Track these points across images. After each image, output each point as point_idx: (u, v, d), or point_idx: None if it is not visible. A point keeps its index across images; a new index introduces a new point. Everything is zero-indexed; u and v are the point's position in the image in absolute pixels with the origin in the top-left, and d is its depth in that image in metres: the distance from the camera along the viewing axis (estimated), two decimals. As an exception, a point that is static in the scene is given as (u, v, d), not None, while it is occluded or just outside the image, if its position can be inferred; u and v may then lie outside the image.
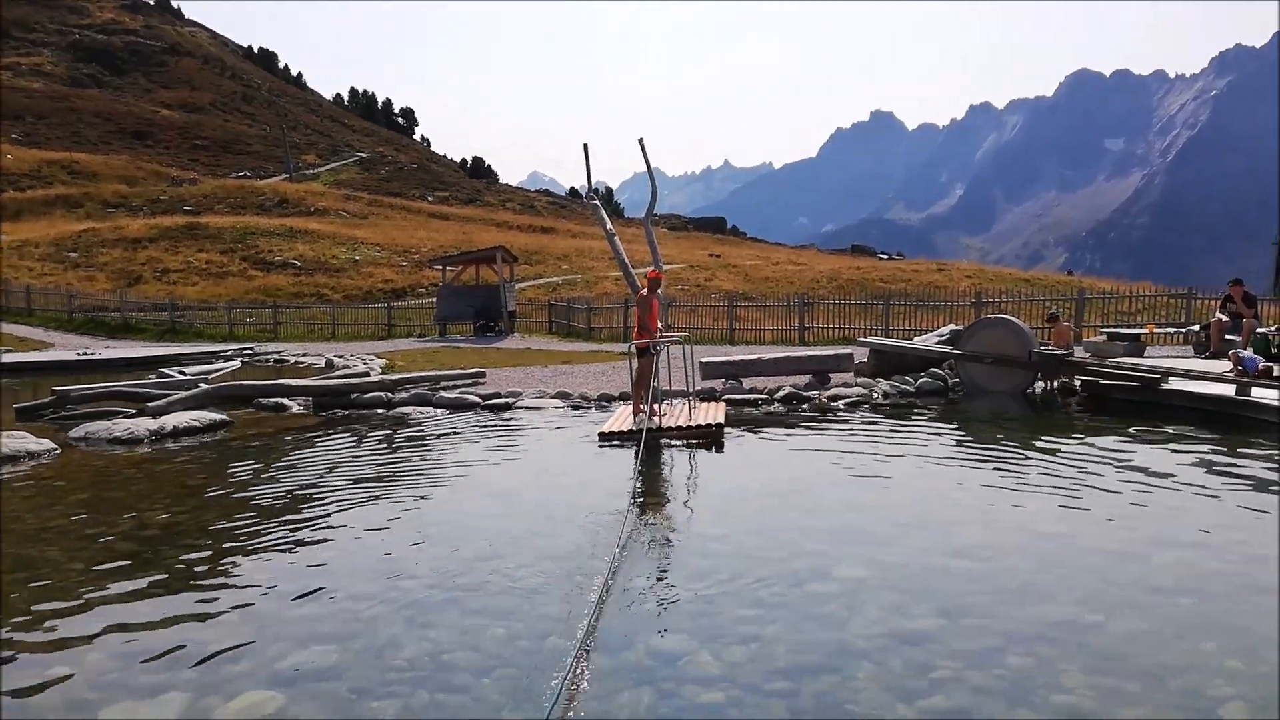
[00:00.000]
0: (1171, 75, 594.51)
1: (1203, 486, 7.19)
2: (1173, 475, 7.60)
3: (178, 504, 7.45)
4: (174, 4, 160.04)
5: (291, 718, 3.62)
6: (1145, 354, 13.77)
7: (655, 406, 10.58)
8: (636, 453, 8.82)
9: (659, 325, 10.93)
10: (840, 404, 12.32)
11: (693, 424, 10.15)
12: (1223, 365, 11.90)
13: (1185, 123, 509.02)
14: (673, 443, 9.73)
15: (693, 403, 11.40)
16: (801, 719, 3.53)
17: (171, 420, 10.98)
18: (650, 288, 11.04)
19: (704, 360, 13.93)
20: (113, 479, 8.53)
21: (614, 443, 9.62)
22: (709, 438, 9.88)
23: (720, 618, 4.56)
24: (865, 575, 5.18)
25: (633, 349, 10.83)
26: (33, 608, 4.90)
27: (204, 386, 13.59)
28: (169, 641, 4.38)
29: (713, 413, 10.86)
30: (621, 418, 10.69)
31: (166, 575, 5.46)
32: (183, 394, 12.67)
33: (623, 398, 12.77)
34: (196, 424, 11.05)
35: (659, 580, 5.26)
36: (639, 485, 7.76)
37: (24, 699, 3.81)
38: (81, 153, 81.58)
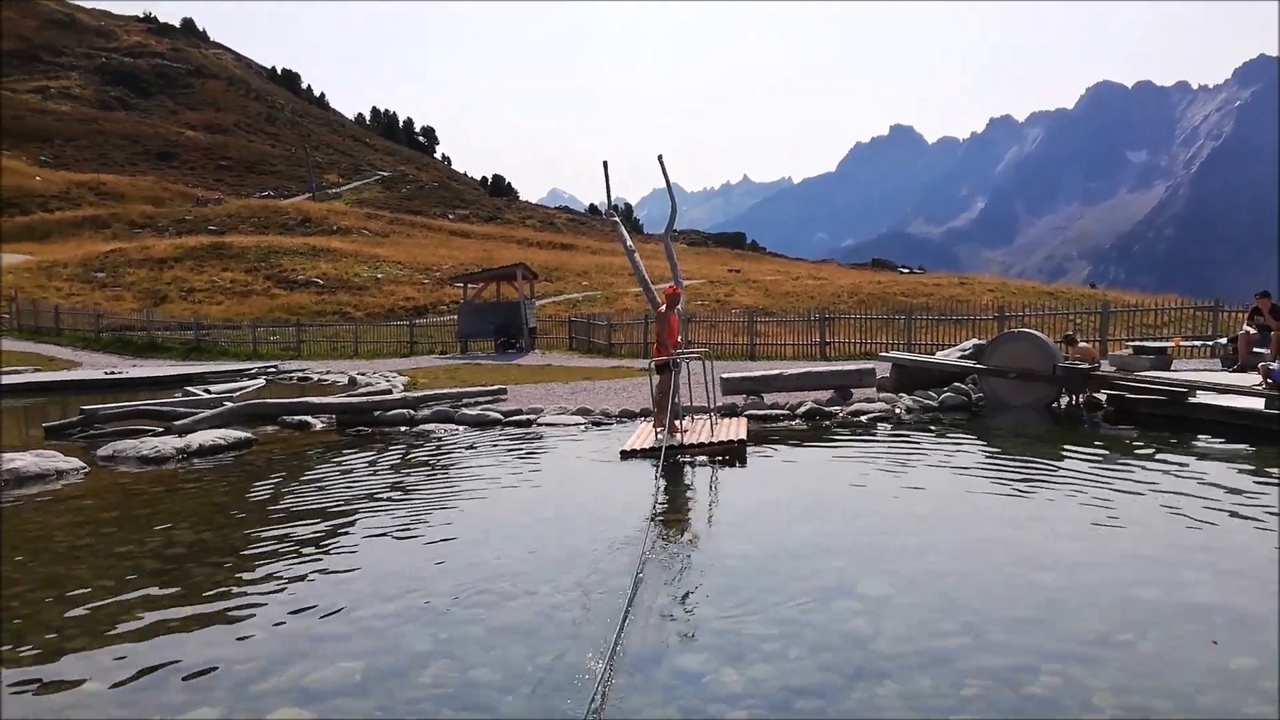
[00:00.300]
0: (1194, 86, 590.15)
1: (1234, 501, 7.09)
2: (1203, 490, 7.50)
3: (205, 522, 7.52)
4: (199, 27, 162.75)
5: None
6: (1172, 367, 13.63)
7: (677, 423, 10.58)
8: (657, 470, 8.80)
9: (678, 341, 10.90)
10: (863, 419, 12.26)
11: (715, 440, 10.13)
12: (1251, 378, 11.76)
13: (1209, 134, 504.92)
14: (695, 459, 9.72)
15: (715, 418, 11.37)
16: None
17: (197, 439, 11.08)
18: (669, 304, 11.03)
19: (725, 376, 13.92)
20: (140, 497, 8.63)
21: (636, 460, 9.60)
22: (732, 453, 9.86)
23: (744, 635, 4.54)
24: (890, 592, 5.15)
25: (652, 365, 10.83)
26: (63, 626, 4.96)
27: (229, 405, 13.71)
28: (199, 659, 4.42)
29: (735, 428, 10.84)
30: (643, 435, 10.69)
31: (195, 593, 5.51)
32: (208, 412, 12.79)
33: (644, 414, 12.77)
34: (222, 442, 11.15)
35: (682, 598, 5.25)
36: (661, 502, 7.76)
37: (59, 716, 3.84)
38: (109, 174, 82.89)
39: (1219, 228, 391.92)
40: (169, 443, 10.86)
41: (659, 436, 10.02)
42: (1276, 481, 7.86)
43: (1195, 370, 14.04)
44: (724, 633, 4.61)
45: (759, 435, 11.15)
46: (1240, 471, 8.39)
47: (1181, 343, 16.93)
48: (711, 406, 11.63)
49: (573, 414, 13.09)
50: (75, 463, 9.69)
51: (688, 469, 9.34)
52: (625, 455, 9.71)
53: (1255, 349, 13.78)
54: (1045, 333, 15.48)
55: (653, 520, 6.85)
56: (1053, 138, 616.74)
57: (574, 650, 4.38)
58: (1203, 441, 9.80)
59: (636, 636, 4.57)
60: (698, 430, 10.84)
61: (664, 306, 11.07)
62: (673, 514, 7.57)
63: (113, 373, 22.52)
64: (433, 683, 4.09)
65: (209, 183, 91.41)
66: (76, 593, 5.54)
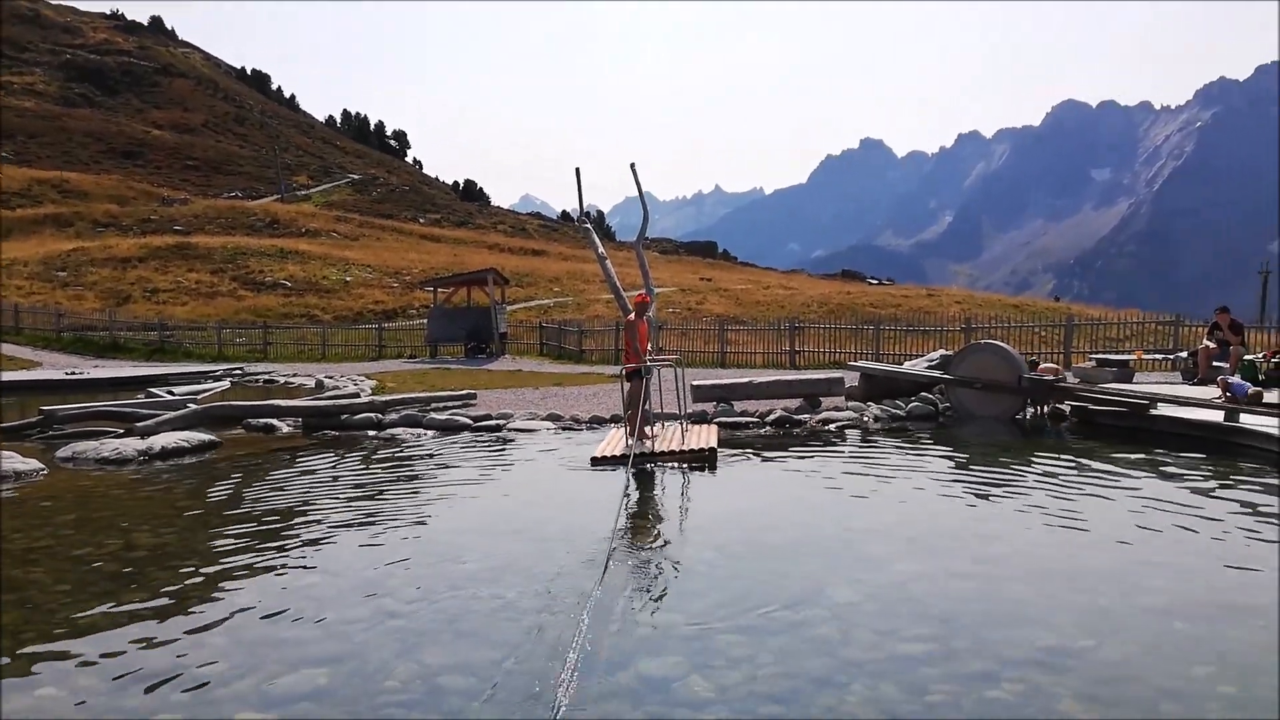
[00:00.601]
0: (1157, 106, 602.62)
1: (1192, 511, 7.21)
2: (1162, 500, 7.63)
3: (166, 525, 7.40)
4: (168, 25, 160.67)
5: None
6: (1134, 380, 13.85)
7: (647, 429, 10.57)
8: (628, 476, 8.78)
9: (649, 348, 10.82)
10: (831, 427, 12.34)
11: (686, 448, 10.12)
12: (1211, 391, 11.99)
13: (1170, 153, 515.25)
14: (666, 465, 9.72)
15: (685, 425, 11.37)
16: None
17: (160, 441, 10.91)
18: (638, 311, 10.90)
19: (695, 383, 13.94)
20: (101, 499, 8.47)
21: (606, 467, 9.59)
22: (702, 461, 9.87)
23: (712, 641, 4.54)
24: (858, 598, 5.18)
25: (623, 372, 10.79)
26: (19, 629, 4.85)
27: (193, 407, 13.51)
28: (159, 665, 4.34)
29: (706, 436, 10.85)
30: (614, 441, 10.67)
31: (155, 597, 5.41)
32: (171, 414, 12.59)
33: (614, 420, 12.76)
34: (185, 445, 10.98)
35: (650, 604, 5.24)
36: (631, 509, 7.75)
37: (10, 721, 3.76)
38: (73, 172, 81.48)
39: (1180, 245, 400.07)
40: (130, 444, 10.67)
41: (629, 443, 9.99)
42: (1233, 491, 8.00)
43: (1156, 383, 14.29)
44: (692, 639, 4.61)
45: (728, 442, 11.18)
46: (1198, 482, 8.54)
47: (1143, 356, 17.21)
48: (682, 413, 11.64)
49: (543, 419, 13.05)
50: (34, 464, 9.50)
51: (658, 475, 9.34)
52: (596, 462, 9.66)
53: (1215, 363, 14.04)
54: (1011, 345, 15.68)
55: (620, 526, 6.83)
56: (1019, 154, 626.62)
57: (540, 655, 4.36)
58: (1163, 453, 9.97)
59: (604, 642, 4.55)
60: (668, 437, 10.81)
61: (633, 314, 10.97)
62: (642, 520, 7.56)
63: (74, 373, 22.10)
64: (398, 687, 4.05)
65: (175, 182, 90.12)
66: (34, 596, 5.42)
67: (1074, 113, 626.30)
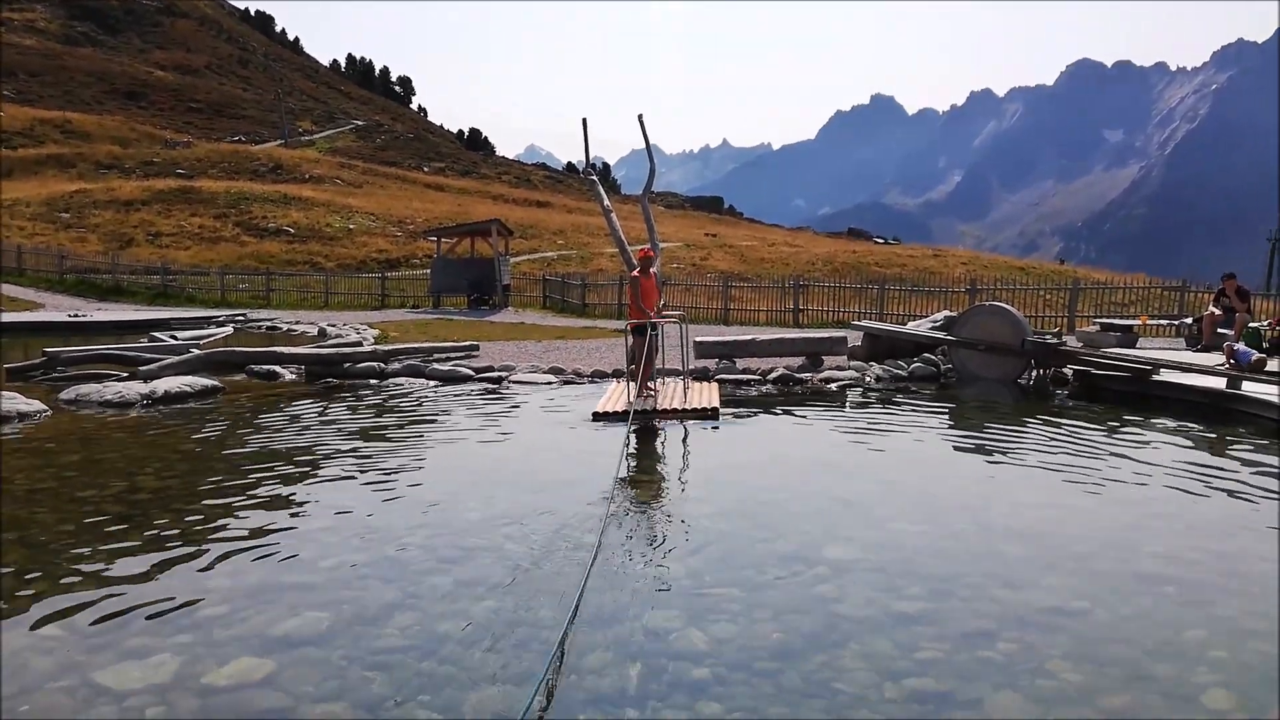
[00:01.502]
0: (1173, 68, 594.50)
1: (1191, 477, 7.23)
2: (1161, 466, 7.64)
3: (169, 468, 7.45)
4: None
5: (282, 684, 3.63)
6: (1138, 345, 13.82)
7: (650, 385, 10.56)
8: (628, 432, 8.82)
9: (655, 304, 10.67)
10: (833, 386, 12.35)
11: (689, 406, 10.08)
12: (1215, 358, 11.96)
13: (1185, 116, 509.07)
14: (667, 422, 9.74)
15: (686, 382, 11.37)
16: (789, 696, 3.57)
17: (163, 385, 10.94)
18: (642, 267, 10.72)
19: (698, 340, 13.94)
20: (104, 442, 8.51)
21: (608, 423, 9.60)
22: (704, 419, 9.83)
23: (709, 596, 4.59)
24: (855, 556, 5.22)
25: (628, 327, 10.73)
26: (24, 568, 4.91)
27: (196, 352, 13.54)
28: (160, 606, 4.39)
29: (708, 394, 10.79)
30: (615, 396, 10.65)
31: (158, 539, 5.46)
32: (175, 359, 12.62)
33: (615, 374, 12.78)
34: (188, 389, 11.01)
35: (649, 558, 5.29)
36: (630, 464, 7.78)
37: (17, 659, 3.81)
38: (75, 112, 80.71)
39: (1190, 210, 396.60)
40: (134, 388, 10.71)
41: (631, 399, 9.98)
42: (1235, 458, 8.02)
43: (1160, 349, 14.25)
44: (690, 593, 4.65)
45: (730, 399, 11.20)
46: (1199, 448, 8.56)
47: (1148, 321, 17.15)
48: (685, 369, 11.64)
49: (545, 372, 13.06)
50: (37, 405, 9.55)
51: (659, 431, 9.36)
52: (598, 417, 9.62)
53: (1219, 329, 14.00)
54: (1016, 306, 15.62)
55: (619, 481, 6.87)
56: (1031, 113, 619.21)
57: (539, 605, 4.40)
58: (1164, 418, 9.97)
59: (603, 593, 4.60)
60: (670, 394, 10.77)
61: (638, 270, 10.77)
62: (643, 476, 7.61)
63: (77, 315, 22.14)
64: (398, 633, 4.10)
65: (178, 125, 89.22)
66: (37, 536, 5.47)
67: (1088, 72, 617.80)
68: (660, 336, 10.90)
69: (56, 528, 5.67)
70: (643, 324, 10.38)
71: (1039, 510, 6.41)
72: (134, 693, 3.52)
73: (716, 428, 9.52)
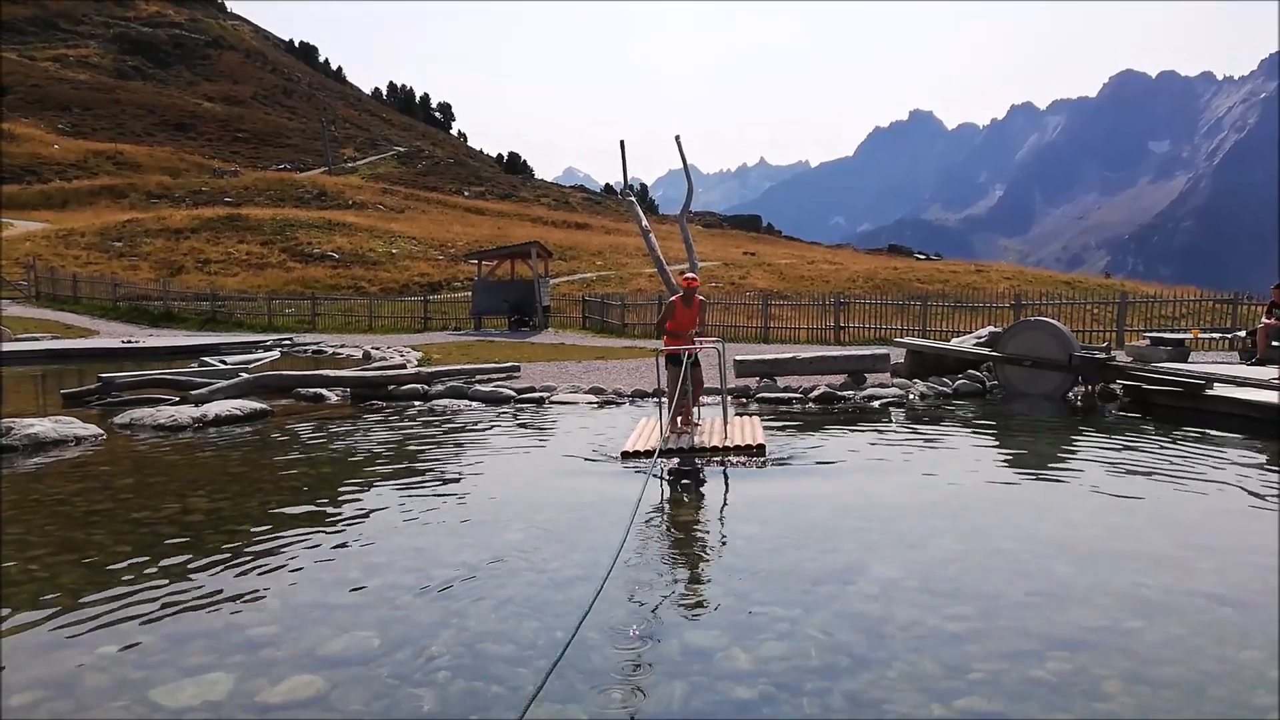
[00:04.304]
0: (1219, 77, 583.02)
1: (1246, 494, 7.06)
2: (1214, 482, 7.47)
3: (220, 490, 7.59)
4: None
5: (332, 702, 3.68)
6: (1189, 359, 13.54)
7: (689, 420, 9.72)
8: (661, 476, 8.01)
9: (691, 333, 9.75)
10: (876, 404, 12.25)
11: (730, 444, 8.82)
12: (1269, 371, 11.68)
13: (1233, 125, 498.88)
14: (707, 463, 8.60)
15: (727, 415, 9.85)
16: (835, 717, 3.54)
17: (214, 408, 11.17)
18: (685, 296, 9.69)
19: (738, 358, 13.91)
20: (157, 464, 8.71)
21: (638, 464, 8.33)
22: (750, 457, 8.63)
23: (754, 615, 4.56)
24: (901, 575, 5.16)
25: (660, 358, 9.80)
26: (81, 588, 5.03)
27: (245, 376, 13.80)
28: (214, 625, 4.48)
29: (750, 430, 9.54)
30: (646, 432, 9.55)
31: (211, 561, 5.57)
32: (225, 383, 12.89)
33: (656, 394, 12.77)
34: (238, 413, 11.23)
35: (692, 577, 5.28)
36: (667, 490, 7.76)
37: (75, 678, 3.91)
38: (126, 144, 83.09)
39: (1240, 221, 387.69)
40: (185, 412, 10.94)
41: (664, 434, 8.92)
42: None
43: (1213, 363, 13.95)
44: (733, 611, 4.64)
45: (770, 418, 11.13)
46: (1254, 466, 8.35)
47: (1199, 335, 16.79)
48: (723, 388, 10.54)
49: (585, 392, 13.13)
50: (93, 429, 9.79)
51: (702, 474, 8.31)
52: (626, 457, 8.56)
53: (1274, 342, 13.67)
54: (1062, 322, 15.39)
55: (637, 510, 6.86)
56: (1074, 126, 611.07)
57: (585, 626, 4.41)
58: (1218, 434, 9.75)
59: (645, 612, 4.61)
60: (709, 429, 9.64)
61: (678, 296, 9.77)
62: (682, 494, 7.59)
63: (130, 342, 22.70)
64: (445, 652, 4.13)
65: (225, 154, 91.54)
66: (94, 557, 5.61)
67: (1132, 83, 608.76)
68: (694, 365, 9.72)
69: (113, 549, 5.81)
70: (677, 353, 9.42)
71: (1089, 528, 6.29)
72: (189, 710, 3.59)
73: (763, 464, 8.48)
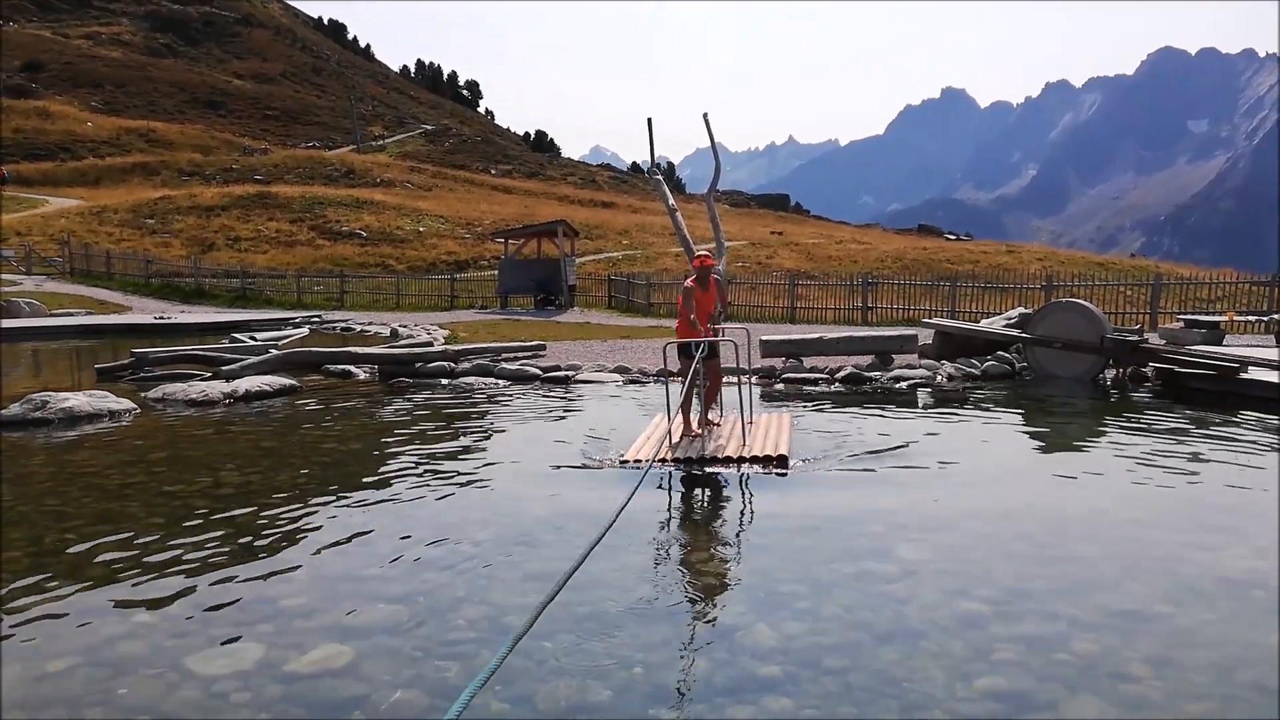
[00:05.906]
0: (1262, 54, 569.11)
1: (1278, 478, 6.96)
2: (1248, 467, 7.37)
3: (251, 464, 7.70)
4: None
5: (361, 672, 3.74)
6: (1224, 342, 13.32)
7: (711, 417, 8.80)
8: (670, 483, 7.13)
9: (709, 322, 8.33)
10: (903, 385, 12.17)
11: (748, 453, 7.64)
12: (1306, 356, 11.46)
13: (1274, 104, 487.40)
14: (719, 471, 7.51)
15: (750, 415, 8.55)
16: (858, 694, 3.54)
17: (244, 384, 11.30)
18: (699, 277, 8.31)
19: (764, 338, 13.86)
20: (189, 439, 8.85)
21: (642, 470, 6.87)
22: (769, 467, 7.41)
23: (778, 593, 4.58)
24: (927, 556, 5.15)
25: (667, 350, 8.58)
26: (116, 559, 5.14)
27: (275, 352, 13.96)
28: (246, 595, 4.56)
29: (774, 434, 8.23)
30: (654, 435, 8.31)
31: (242, 532, 5.66)
32: (255, 359, 13.03)
33: (681, 374, 12.76)
34: (268, 388, 11.36)
35: (715, 556, 5.30)
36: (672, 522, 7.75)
37: (111, 646, 4.00)
38: (158, 121, 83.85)
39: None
40: (216, 387, 11.09)
41: (674, 441, 7.88)
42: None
43: (1249, 346, 13.72)
44: (757, 589, 4.65)
45: (796, 398, 11.11)
46: (1290, 450, 8.22)
47: (1235, 318, 16.50)
48: (748, 368, 10.00)
49: (610, 371, 13.16)
50: (126, 404, 9.95)
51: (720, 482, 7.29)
52: (626, 464, 7.47)
53: (1312, 326, 13.41)
54: (1095, 303, 15.18)
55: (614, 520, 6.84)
56: (1110, 104, 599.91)
57: (608, 599, 4.45)
58: (1251, 417, 9.60)
59: (670, 591, 4.63)
60: (726, 433, 8.47)
61: (693, 279, 8.36)
62: (706, 475, 7.59)
63: (162, 318, 23.00)
64: (469, 625, 4.18)
65: (255, 132, 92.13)
66: (129, 529, 5.72)
67: (1171, 61, 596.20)
68: (709, 356, 8.37)
69: (147, 520, 5.92)
70: (689, 343, 8.14)
71: (1118, 511, 6.23)
72: (220, 677, 3.67)
73: (784, 474, 7.31)
